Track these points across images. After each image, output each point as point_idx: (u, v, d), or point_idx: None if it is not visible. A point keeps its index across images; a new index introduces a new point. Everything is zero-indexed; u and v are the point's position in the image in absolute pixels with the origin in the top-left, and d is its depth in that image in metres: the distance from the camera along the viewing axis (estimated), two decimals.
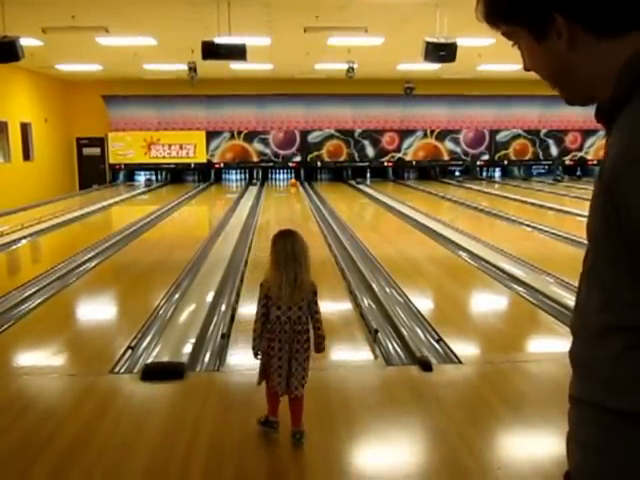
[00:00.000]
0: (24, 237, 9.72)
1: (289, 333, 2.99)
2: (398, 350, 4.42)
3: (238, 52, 9.99)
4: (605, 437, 1.02)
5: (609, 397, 1.00)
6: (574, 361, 1.11)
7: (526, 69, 1.15)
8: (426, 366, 4.00)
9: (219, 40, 9.87)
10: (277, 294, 2.99)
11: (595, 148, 20.84)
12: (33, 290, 6.16)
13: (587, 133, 20.80)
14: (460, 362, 4.18)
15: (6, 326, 5.07)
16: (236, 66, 14.82)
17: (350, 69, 15.06)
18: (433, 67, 14.76)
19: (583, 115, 20.04)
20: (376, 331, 4.64)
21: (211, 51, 9.93)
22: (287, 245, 2.99)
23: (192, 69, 14.47)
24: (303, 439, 3.08)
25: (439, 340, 4.54)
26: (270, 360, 3.02)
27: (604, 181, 0.96)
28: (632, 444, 0.98)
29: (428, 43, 9.58)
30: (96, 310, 5.94)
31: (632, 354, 0.97)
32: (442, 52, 9.64)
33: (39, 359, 4.51)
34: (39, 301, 5.85)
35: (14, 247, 9.12)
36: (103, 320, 5.64)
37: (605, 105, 1.03)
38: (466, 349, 4.52)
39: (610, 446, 1.01)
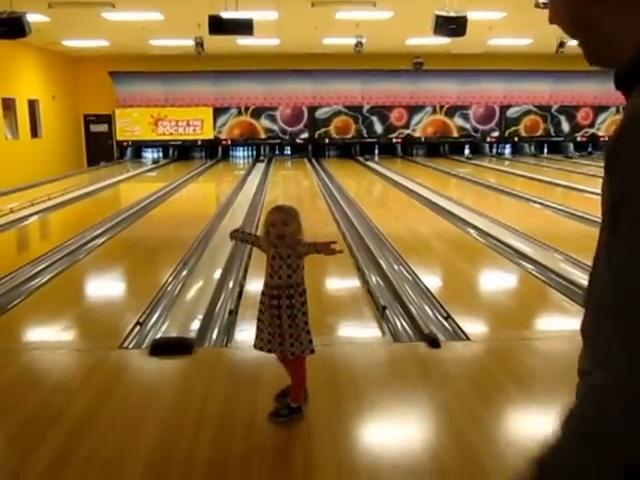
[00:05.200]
0: (34, 214, 9.76)
1: (277, 297, 2.93)
2: (406, 327, 4.42)
3: (245, 27, 9.90)
4: None
5: None
6: (584, 334, 1.10)
7: (550, 22, 1.12)
8: (434, 343, 3.99)
9: (226, 15, 9.78)
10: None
11: (607, 124, 20.57)
12: (43, 266, 6.18)
13: (599, 109, 20.54)
14: (468, 339, 4.17)
15: (16, 302, 5.09)
16: (243, 41, 14.68)
17: (358, 44, 14.90)
18: (442, 42, 14.57)
19: (595, 91, 19.76)
20: (384, 308, 4.64)
21: (218, 26, 9.85)
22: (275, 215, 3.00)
23: (199, 44, 14.36)
24: (283, 418, 3.01)
25: (447, 317, 4.53)
26: (260, 323, 3.02)
27: (609, 147, 0.92)
28: None
29: (438, 16, 9.45)
30: (105, 286, 5.97)
31: None
32: (452, 26, 9.51)
33: (48, 334, 4.54)
34: (48, 277, 5.87)
35: (24, 223, 9.16)
36: (112, 296, 5.67)
37: (624, 69, 0.97)
38: (474, 326, 4.51)
39: None
